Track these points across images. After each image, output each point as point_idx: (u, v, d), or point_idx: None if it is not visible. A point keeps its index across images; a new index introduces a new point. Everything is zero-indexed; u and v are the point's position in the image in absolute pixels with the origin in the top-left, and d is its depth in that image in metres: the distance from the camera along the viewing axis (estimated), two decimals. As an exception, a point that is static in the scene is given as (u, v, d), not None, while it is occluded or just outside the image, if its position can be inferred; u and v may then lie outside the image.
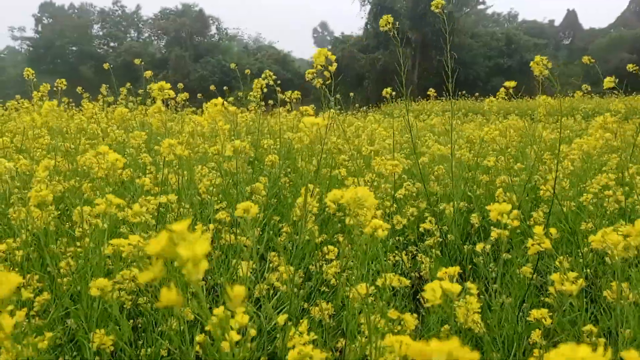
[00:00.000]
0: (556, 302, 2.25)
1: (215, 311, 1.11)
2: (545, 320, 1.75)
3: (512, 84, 3.46)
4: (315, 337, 2.05)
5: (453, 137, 5.52)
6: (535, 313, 1.80)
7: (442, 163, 4.64)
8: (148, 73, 5.53)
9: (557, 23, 67.74)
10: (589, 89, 4.67)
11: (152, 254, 0.65)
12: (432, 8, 3.70)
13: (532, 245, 1.47)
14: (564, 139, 6.50)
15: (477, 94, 18.95)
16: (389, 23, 3.46)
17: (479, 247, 2.50)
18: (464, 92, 16.90)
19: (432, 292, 1.03)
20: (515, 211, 1.36)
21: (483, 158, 4.95)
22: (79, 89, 7.10)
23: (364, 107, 16.74)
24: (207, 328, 1.13)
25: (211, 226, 2.07)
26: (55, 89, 3.84)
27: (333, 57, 2.19)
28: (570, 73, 43.25)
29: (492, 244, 3.29)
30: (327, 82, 3.11)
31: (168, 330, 1.97)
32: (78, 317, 1.95)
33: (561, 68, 44.43)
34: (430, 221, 3.17)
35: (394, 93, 4.37)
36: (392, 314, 1.36)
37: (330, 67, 2.21)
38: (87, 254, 2.04)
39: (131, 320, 2.39)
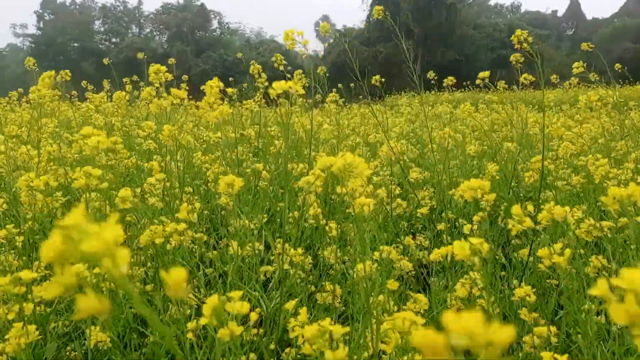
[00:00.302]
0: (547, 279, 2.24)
1: (209, 300, 1.05)
2: (530, 297, 1.74)
3: (486, 74, 3.46)
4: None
5: (459, 126, 5.50)
6: (519, 291, 1.79)
7: (451, 152, 4.62)
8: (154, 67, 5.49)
9: (560, 13, 67.45)
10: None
11: (48, 262, 0.52)
12: (375, 15, 3.68)
13: (513, 226, 1.43)
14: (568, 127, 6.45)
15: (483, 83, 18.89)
16: (381, 12, 3.46)
17: (466, 228, 2.49)
18: (468, 82, 16.83)
19: (459, 248, 1.00)
20: (486, 183, 1.32)
21: (488, 147, 4.94)
22: (83, 83, 7.09)
23: (368, 99, 16.68)
24: (202, 322, 1.07)
25: (197, 205, 2.04)
26: (61, 79, 3.81)
27: (301, 33, 2.16)
28: (573, 64, 42.94)
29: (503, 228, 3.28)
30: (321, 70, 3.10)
31: (167, 318, 1.96)
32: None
33: (564, 59, 44.23)
34: (427, 205, 3.16)
35: (383, 80, 4.37)
36: (392, 284, 1.34)
37: (303, 43, 2.18)
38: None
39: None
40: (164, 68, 2.49)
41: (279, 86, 1.32)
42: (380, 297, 1.62)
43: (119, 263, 0.52)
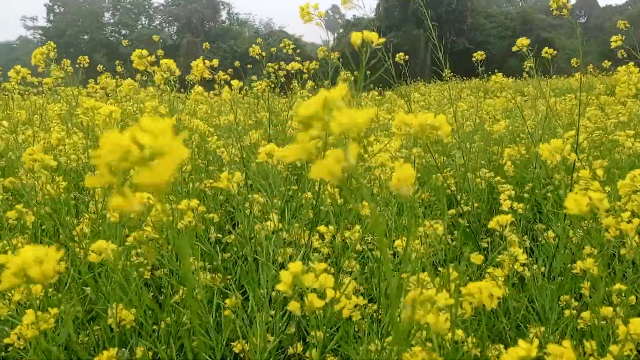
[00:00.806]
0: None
1: (291, 266, 0.99)
2: (593, 271, 1.63)
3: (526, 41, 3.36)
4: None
5: (477, 113, 5.40)
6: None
7: (468, 138, 4.53)
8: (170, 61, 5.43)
9: (572, 1, 66.62)
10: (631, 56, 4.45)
11: (302, 118, 0.57)
12: None
13: (579, 190, 1.35)
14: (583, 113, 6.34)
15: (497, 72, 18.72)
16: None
17: (505, 205, 2.41)
18: (482, 69, 16.66)
19: (574, 202, 0.92)
20: (568, 146, 1.26)
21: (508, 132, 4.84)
22: (99, 67, 7.07)
23: (379, 89, 16.52)
24: (278, 287, 1.01)
25: (237, 174, 1.97)
26: (78, 65, 3.75)
27: (316, 6, 2.08)
28: (587, 51, 42.58)
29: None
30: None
31: (186, 298, 1.90)
32: (95, 288, 1.89)
33: (577, 47, 43.76)
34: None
35: (407, 58, 4.25)
36: (476, 258, 1.24)
37: (318, 14, 2.11)
38: (101, 220, 1.97)
39: (152, 293, 2.33)
40: (145, 52, 2.42)
41: (357, 36, 1.27)
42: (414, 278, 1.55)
43: (354, 150, 0.56)
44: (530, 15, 49.86)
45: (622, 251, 2.04)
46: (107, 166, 0.53)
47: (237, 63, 6.89)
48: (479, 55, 4.45)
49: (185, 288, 2.09)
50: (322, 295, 0.99)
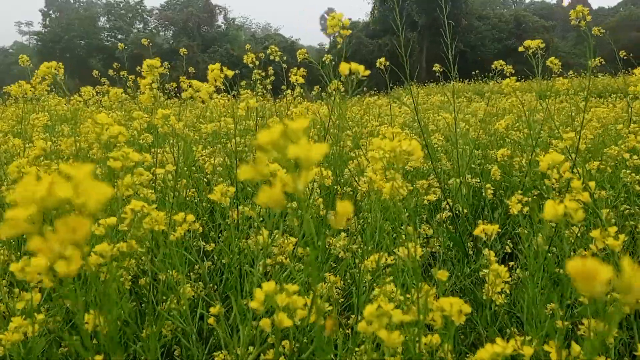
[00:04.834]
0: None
1: (265, 286, 1.00)
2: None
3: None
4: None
5: (461, 116, 5.42)
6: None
7: (453, 142, 4.54)
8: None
9: (566, 3, 66.83)
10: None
11: (261, 144, 0.60)
12: None
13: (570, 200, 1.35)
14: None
15: (490, 74, 18.79)
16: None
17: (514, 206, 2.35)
18: (476, 71, 16.67)
19: (552, 209, 0.94)
20: (566, 164, 1.24)
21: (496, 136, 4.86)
22: (95, 72, 7.07)
23: (374, 92, 16.54)
24: (252, 305, 1.02)
25: (232, 189, 1.96)
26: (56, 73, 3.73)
27: (340, 15, 2.08)
28: (580, 53, 42.70)
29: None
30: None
31: (168, 309, 1.90)
32: (74, 297, 1.88)
33: (570, 49, 43.95)
34: (435, 193, 3.10)
35: (388, 64, 4.22)
36: (442, 274, 1.24)
37: (345, 22, 2.11)
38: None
39: (133, 304, 2.33)
40: (157, 63, 2.40)
41: (345, 67, 1.26)
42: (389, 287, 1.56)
43: (306, 176, 0.61)
44: (524, 17, 49.96)
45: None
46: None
47: (217, 64, 6.89)
48: (499, 64, 4.35)
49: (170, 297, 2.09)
50: (292, 314, 1.01)
